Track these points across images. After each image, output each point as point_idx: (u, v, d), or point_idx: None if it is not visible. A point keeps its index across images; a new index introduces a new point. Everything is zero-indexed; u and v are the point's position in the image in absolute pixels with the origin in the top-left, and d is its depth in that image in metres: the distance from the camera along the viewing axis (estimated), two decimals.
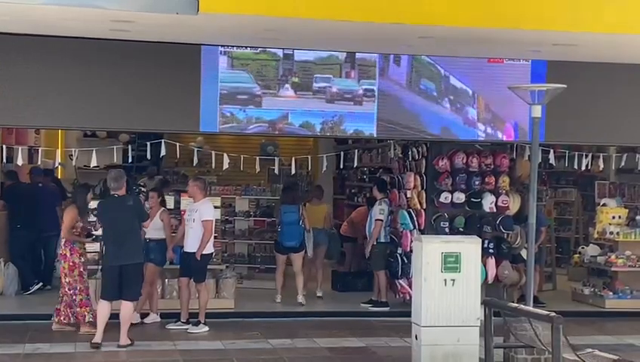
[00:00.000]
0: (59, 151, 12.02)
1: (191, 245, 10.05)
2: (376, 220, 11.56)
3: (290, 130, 10.33)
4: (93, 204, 10.02)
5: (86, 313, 9.63)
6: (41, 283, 11.77)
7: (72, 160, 12.02)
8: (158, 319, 10.35)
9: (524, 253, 10.89)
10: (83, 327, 9.63)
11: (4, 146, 11.25)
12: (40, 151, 11.57)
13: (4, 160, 11.63)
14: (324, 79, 10.17)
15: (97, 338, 8.97)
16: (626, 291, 12.01)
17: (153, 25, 8.56)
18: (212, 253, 10.39)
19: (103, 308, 9.02)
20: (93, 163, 10.71)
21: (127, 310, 9.03)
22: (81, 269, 9.77)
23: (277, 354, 9.03)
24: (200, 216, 10.03)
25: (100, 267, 10.04)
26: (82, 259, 9.81)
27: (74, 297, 9.67)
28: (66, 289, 9.69)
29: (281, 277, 12.11)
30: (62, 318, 9.73)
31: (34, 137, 13.77)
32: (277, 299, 11.98)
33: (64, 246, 9.79)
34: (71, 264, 9.71)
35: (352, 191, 15.40)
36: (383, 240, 11.59)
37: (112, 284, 8.98)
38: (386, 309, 11.44)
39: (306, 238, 12.04)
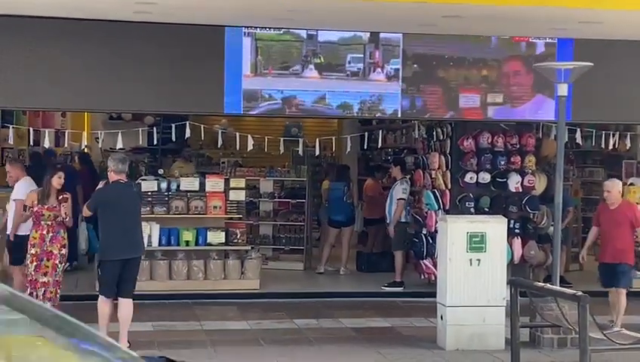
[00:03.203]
0: (85, 134, 12.05)
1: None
2: (398, 199, 11.61)
3: (325, 111, 10.30)
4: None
5: None
6: (68, 264, 11.82)
7: (98, 142, 12.08)
8: None
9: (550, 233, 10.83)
10: None
11: (30, 129, 11.33)
12: (66, 133, 11.64)
13: (31, 143, 11.71)
14: (356, 59, 10.11)
15: None
16: None
17: (176, 6, 8.59)
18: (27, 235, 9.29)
19: (105, 306, 8.15)
20: (119, 145, 10.73)
21: (128, 308, 8.20)
22: (27, 262, 8.77)
23: (303, 334, 9.08)
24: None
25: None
26: (33, 251, 8.71)
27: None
28: None
29: (329, 249, 12.68)
30: None
31: (60, 120, 13.87)
32: (320, 269, 12.54)
33: None
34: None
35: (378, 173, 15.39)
36: (403, 219, 11.67)
37: (113, 280, 8.11)
38: (400, 289, 11.46)
39: (356, 214, 12.92)
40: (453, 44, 10.29)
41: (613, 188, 9.29)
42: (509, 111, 10.61)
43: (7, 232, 9.36)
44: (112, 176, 8.28)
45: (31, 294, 8.69)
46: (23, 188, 9.27)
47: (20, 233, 9.18)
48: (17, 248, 9.19)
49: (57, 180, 8.79)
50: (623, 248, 9.02)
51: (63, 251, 8.81)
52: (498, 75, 10.46)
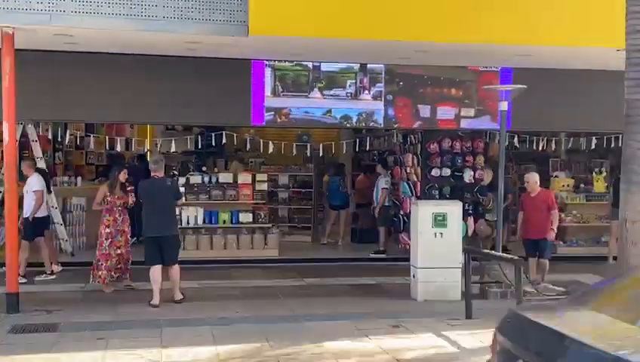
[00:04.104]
0: (147, 141, 12.08)
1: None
2: (382, 189, 11.68)
3: (329, 122, 10.24)
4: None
5: (98, 275, 8.64)
6: (135, 238, 11.82)
7: (157, 147, 12.13)
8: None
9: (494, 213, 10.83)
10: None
11: (107, 137, 11.37)
12: (134, 140, 11.68)
13: (108, 147, 11.74)
14: (350, 84, 10.11)
15: (156, 301, 7.93)
16: (573, 240, 11.98)
17: (215, 44, 8.61)
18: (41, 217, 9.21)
19: (155, 273, 7.97)
20: (173, 149, 10.80)
21: (176, 271, 8.10)
22: (102, 239, 8.61)
23: (311, 290, 9.11)
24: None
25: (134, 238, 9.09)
26: (108, 230, 8.61)
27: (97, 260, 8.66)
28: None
29: (330, 226, 12.67)
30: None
31: (129, 130, 13.91)
32: (323, 241, 12.53)
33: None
34: (97, 233, 8.76)
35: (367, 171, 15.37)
36: (386, 204, 11.69)
37: (153, 252, 7.95)
38: (383, 256, 11.46)
39: (350, 200, 12.87)
40: (422, 70, 10.29)
41: (530, 179, 9.20)
42: (472, 121, 10.59)
43: (26, 215, 9.07)
44: (152, 174, 8.27)
45: (102, 264, 8.65)
46: (37, 181, 9.20)
47: (38, 215, 9.09)
48: (35, 226, 9.10)
49: (122, 175, 8.82)
50: (543, 227, 8.91)
51: (108, 229, 8.68)
52: (464, 94, 10.47)
